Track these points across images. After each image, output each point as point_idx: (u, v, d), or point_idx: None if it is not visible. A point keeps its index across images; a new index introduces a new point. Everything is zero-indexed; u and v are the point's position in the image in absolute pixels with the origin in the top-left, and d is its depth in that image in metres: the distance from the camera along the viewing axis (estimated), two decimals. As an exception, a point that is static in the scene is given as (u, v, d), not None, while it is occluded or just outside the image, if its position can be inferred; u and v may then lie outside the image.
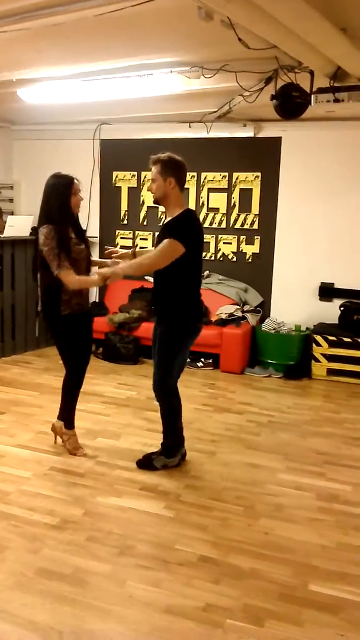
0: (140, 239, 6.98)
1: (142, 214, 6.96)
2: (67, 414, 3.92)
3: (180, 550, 2.83)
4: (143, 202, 6.93)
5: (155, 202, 3.60)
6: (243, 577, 2.65)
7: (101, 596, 2.48)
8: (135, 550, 2.82)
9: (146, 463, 3.73)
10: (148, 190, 3.65)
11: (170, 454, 3.75)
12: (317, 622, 2.38)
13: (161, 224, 3.73)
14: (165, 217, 3.62)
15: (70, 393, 3.89)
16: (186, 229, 3.46)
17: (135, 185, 6.94)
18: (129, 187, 6.98)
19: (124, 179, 6.98)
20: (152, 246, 4.23)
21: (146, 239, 6.95)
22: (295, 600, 2.51)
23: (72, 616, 2.35)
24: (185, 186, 6.57)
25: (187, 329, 3.62)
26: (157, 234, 3.86)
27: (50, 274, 3.51)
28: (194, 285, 3.60)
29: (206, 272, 6.57)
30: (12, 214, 6.67)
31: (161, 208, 4.08)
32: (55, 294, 3.60)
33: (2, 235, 6.01)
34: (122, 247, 6.37)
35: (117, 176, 7.01)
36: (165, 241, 3.39)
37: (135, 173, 6.92)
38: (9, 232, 6.04)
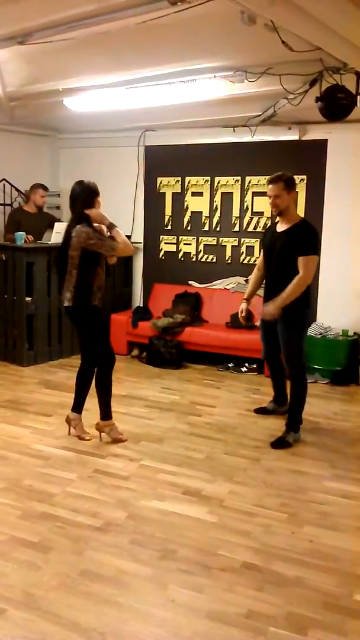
0: (184, 244, 7.00)
1: (186, 219, 6.98)
2: (108, 407, 4.17)
3: (223, 555, 2.81)
4: (187, 207, 6.95)
5: (279, 214, 4.23)
6: (287, 585, 2.61)
7: (143, 599, 2.48)
8: (177, 554, 2.81)
9: (280, 443, 4.17)
10: (271, 205, 4.22)
11: (298, 428, 4.28)
12: (363, 634, 2.32)
13: (274, 230, 4.34)
14: (280, 223, 4.27)
15: (107, 388, 4.15)
16: (313, 240, 4.14)
17: (179, 191, 6.96)
18: (173, 193, 7.01)
19: (168, 185, 7.02)
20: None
21: (190, 244, 6.96)
22: (340, 610, 2.45)
23: (115, 618, 2.36)
24: (229, 190, 6.68)
25: (307, 310, 4.28)
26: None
27: (87, 268, 3.94)
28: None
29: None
30: (59, 220, 6.79)
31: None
32: (89, 286, 3.98)
33: (49, 242, 6.12)
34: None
35: (161, 182, 7.06)
36: (305, 259, 4.03)
37: (180, 179, 6.95)
38: (56, 238, 6.15)
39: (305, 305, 4.17)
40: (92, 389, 4.22)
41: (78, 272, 3.95)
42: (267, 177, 6.32)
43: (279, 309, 4.08)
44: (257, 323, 6.10)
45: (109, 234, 4.03)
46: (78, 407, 4.27)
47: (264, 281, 4.46)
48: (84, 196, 3.98)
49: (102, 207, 4.06)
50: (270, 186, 4.16)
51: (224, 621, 2.36)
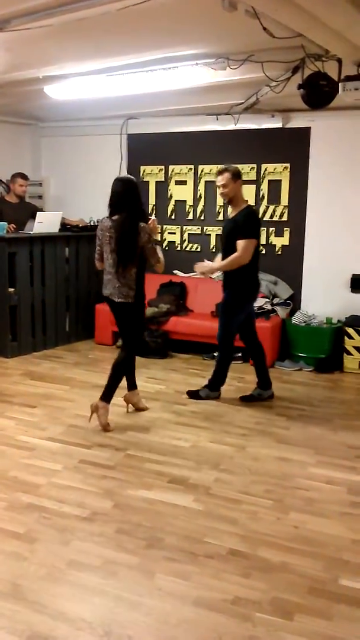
0: (168, 232, 6.98)
1: (170, 207, 6.95)
2: (114, 390, 4.28)
3: (209, 543, 2.83)
4: (171, 196, 6.92)
5: (227, 200, 4.70)
6: (272, 571, 2.63)
7: (130, 588, 2.49)
8: (164, 542, 2.83)
9: (194, 394, 4.91)
10: (220, 195, 4.72)
11: (214, 388, 4.91)
12: (348, 617, 2.35)
13: (229, 215, 4.83)
14: (230, 211, 4.75)
15: (124, 374, 4.39)
16: (252, 225, 4.57)
17: (163, 180, 6.93)
18: (156, 181, 6.98)
19: (152, 173, 6.98)
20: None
21: (174, 233, 6.94)
22: (325, 595, 2.48)
23: (102, 607, 2.37)
24: (213, 179, 6.62)
25: (245, 295, 4.72)
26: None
27: (142, 265, 4.19)
28: (254, 264, 4.62)
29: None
30: (41, 210, 6.74)
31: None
32: (143, 281, 4.29)
33: (31, 232, 6.08)
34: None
35: (144, 170, 7.01)
36: (241, 242, 4.48)
37: (163, 167, 6.92)
38: (39, 228, 6.10)
39: (242, 289, 4.66)
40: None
41: (138, 270, 4.16)
42: (251, 165, 6.46)
43: (210, 271, 4.80)
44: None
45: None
46: (133, 384, 4.56)
47: None
48: (138, 191, 4.16)
49: None
50: (218, 177, 4.60)
51: (211, 608, 2.38)
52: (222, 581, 2.55)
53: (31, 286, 6.17)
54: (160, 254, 4.20)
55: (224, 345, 4.84)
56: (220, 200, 6.64)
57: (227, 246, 4.62)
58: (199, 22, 3.60)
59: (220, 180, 4.56)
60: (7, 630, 2.23)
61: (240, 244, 4.49)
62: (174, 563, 2.67)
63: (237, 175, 4.59)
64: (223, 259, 4.67)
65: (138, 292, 4.22)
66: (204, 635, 2.23)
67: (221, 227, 6.63)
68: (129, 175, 4.23)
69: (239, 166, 6.44)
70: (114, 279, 4.16)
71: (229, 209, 4.81)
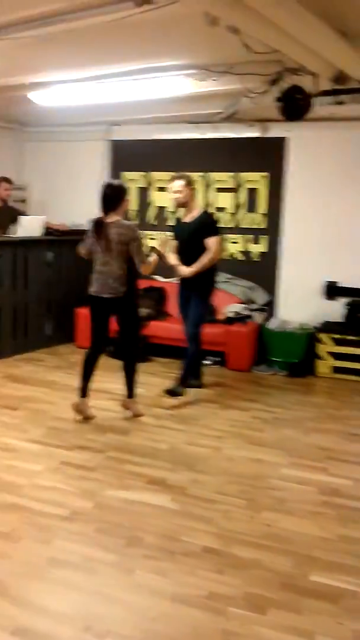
0: (149, 238, 7.07)
1: (152, 214, 7.05)
2: (135, 386, 4.71)
3: (186, 541, 2.94)
4: (152, 202, 7.01)
5: (180, 205, 5.04)
6: (245, 567, 2.74)
7: (109, 584, 2.59)
8: (142, 541, 2.92)
9: (173, 392, 5.04)
10: (174, 200, 5.05)
11: (189, 381, 5.18)
12: (317, 611, 2.47)
13: (181, 220, 5.12)
14: (185, 215, 5.07)
15: (136, 367, 4.72)
16: (216, 225, 5.15)
17: (145, 186, 7.03)
18: (138, 188, 7.07)
19: (134, 180, 7.07)
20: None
21: (155, 239, 7.03)
22: (296, 590, 2.60)
23: (82, 602, 2.46)
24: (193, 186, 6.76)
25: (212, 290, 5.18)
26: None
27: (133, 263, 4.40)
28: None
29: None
30: (24, 214, 6.78)
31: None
32: (134, 279, 4.55)
33: (13, 236, 6.13)
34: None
35: (126, 177, 7.10)
36: (214, 239, 4.93)
37: (145, 174, 7.01)
38: (21, 232, 6.16)
39: (210, 285, 5.13)
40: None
41: (128, 268, 4.42)
42: (230, 173, 6.60)
43: (192, 274, 4.96)
44: (220, 317, 6.25)
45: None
46: (87, 391, 4.53)
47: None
48: (124, 195, 4.42)
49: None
50: (174, 183, 4.97)
51: (187, 603, 2.48)
52: (197, 577, 2.66)
53: (14, 289, 6.22)
54: (150, 259, 4.49)
55: (199, 339, 5.17)
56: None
57: (192, 247, 4.95)
58: (182, 35, 3.72)
59: (177, 186, 4.93)
60: (-9, 624, 2.31)
61: (213, 241, 4.91)
62: (152, 560, 2.77)
63: (191, 183, 4.99)
64: (186, 259, 4.99)
65: (129, 288, 4.42)
66: (180, 629, 2.34)
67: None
68: (119, 180, 4.45)
69: (219, 174, 6.65)
70: (103, 276, 4.36)
71: (182, 213, 5.15)
